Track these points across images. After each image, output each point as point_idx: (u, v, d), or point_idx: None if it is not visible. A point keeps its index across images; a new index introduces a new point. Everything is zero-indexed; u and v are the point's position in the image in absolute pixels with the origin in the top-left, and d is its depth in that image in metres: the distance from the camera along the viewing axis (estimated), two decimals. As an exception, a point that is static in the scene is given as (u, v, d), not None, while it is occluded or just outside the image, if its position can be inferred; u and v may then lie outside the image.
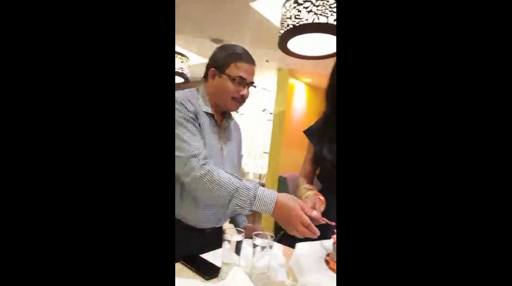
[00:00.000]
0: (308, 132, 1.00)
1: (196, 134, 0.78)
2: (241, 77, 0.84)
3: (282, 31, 1.21)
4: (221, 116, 0.92)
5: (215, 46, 0.96)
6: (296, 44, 1.30)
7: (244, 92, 0.86)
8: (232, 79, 0.84)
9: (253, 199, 0.67)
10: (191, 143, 0.73)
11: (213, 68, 0.86)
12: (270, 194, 0.68)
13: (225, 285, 0.56)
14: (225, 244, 0.61)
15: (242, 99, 0.88)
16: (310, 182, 0.98)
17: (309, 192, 0.86)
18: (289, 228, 0.65)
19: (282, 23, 1.20)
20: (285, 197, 0.68)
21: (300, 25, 1.10)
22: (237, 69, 0.84)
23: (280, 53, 1.33)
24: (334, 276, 0.50)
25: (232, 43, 0.90)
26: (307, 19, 1.08)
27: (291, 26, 1.13)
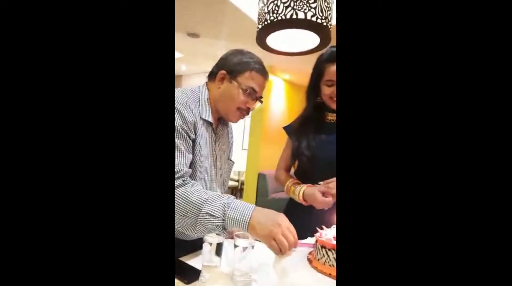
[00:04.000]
0: (288, 129, 1.01)
1: (184, 150, 0.71)
2: (252, 89, 0.79)
3: (259, 26, 1.19)
4: (217, 122, 0.85)
5: (191, 40, 0.92)
6: (275, 40, 1.29)
7: (251, 105, 0.81)
8: (243, 89, 0.78)
9: (226, 206, 0.60)
10: (175, 160, 0.68)
11: (224, 71, 0.79)
12: (245, 204, 0.61)
13: (206, 289, 0.54)
14: (206, 246, 0.59)
15: (247, 112, 0.82)
16: (289, 175, 1.00)
17: (303, 186, 0.87)
18: (267, 240, 0.58)
19: (260, 18, 1.18)
20: (265, 211, 0.61)
21: (278, 20, 1.09)
22: (251, 80, 0.78)
23: (258, 49, 1.32)
24: (317, 275, 0.49)
25: (249, 51, 0.83)
26: (285, 15, 1.07)
27: (269, 21, 1.11)
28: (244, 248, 0.57)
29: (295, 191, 0.90)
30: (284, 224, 0.58)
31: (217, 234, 0.60)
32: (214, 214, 0.60)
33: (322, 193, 0.82)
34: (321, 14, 1.10)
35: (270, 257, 0.62)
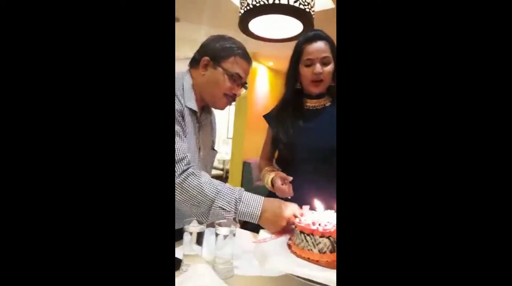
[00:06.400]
0: (268, 117, 1.00)
1: (182, 136, 0.71)
2: (238, 74, 0.78)
3: (242, 11, 1.16)
4: (201, 110, 0.84)
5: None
6: (258, 25, 1.26)
7: (237, 91, 0.80)
8: (229, 75, 0.77)
9: (238, 201, 0.65)
10: (177, 147, 0.68)
11: (207, 57, 0.77)
12: (256, 197, 0.67)
13: (187, 278, 0.54)
14: (186, 236, 0.59)
15: (233, 98, 0.81)
16: (271, 164, 1.00)
17: (272, 174, 0.87)
18: (274, 230, 0.66)
19: (242, 2, 1.15)
20: (272, 201, 0.67)
21: (260, 5, 1.06)
22: (236, 65, 0.78)
23: (241, 35, 1.28)
24: (296, 260, 0.51)
25: (231, 36, 0.82)
26: (267, -1, 1.05)
27: (251, 6, 1.08)
28: (225, 236, 0.57)
29: (265, 178, 0.90)
30: (289, 214, 0.65)
31: (227, 217, 0.66)
32: (227, 209, 0.65)
33: (282, 181, 0.81)
34: (303, 0, 1.08)
35: (251, 244, 0.63)
